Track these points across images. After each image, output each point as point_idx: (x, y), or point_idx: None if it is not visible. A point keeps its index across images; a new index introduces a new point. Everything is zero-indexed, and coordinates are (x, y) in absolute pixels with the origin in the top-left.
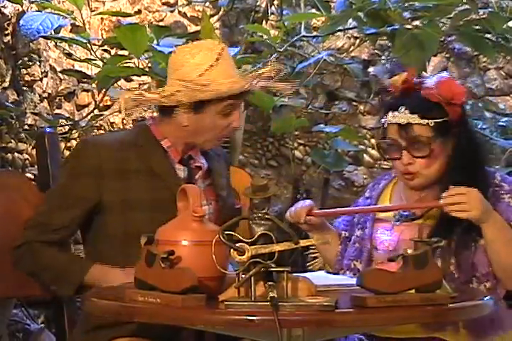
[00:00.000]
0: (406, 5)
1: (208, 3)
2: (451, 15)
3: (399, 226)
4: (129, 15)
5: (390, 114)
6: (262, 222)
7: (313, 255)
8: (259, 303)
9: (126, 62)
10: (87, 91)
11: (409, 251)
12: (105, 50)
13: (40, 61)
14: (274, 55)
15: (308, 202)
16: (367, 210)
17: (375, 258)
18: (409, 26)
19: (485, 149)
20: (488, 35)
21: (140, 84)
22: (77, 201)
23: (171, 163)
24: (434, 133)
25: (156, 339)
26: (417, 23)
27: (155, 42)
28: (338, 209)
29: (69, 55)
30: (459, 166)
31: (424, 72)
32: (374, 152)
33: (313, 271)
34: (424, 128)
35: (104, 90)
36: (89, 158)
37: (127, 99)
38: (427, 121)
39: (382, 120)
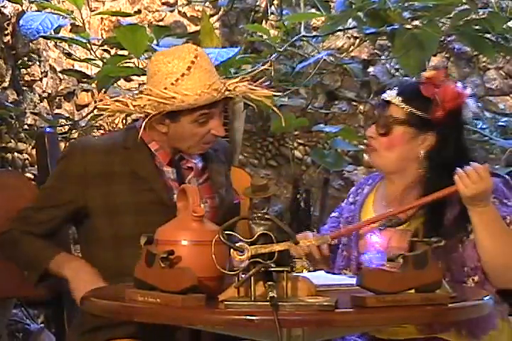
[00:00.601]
0: (406, 5)
1: (207, 3)
2: (451, 15)
3: (385, 231)
4: (129, 15)
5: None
6: (262, 221)
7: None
8: (259, 303)
9: (126, 62)
10: (87, 91)
11: (401, 260)
12: (105, 50)
13: (39, 61)
14: (273, 55)
15: (311, 235)
16: (374, 220)
17: (363, 263)
18: (408, 26)
19: (469, 155)
20: (488, 35)
21: (140, 84)
22: (60, 204)
23: (157, 166)
24: (407, 121)
25: (154, 339)
26: (416, 22)
27: (155, 42)
28: (348, 227)
29: (69, 55)
30: (437, 167)
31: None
32: None
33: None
34: (398, 111)
35: (104, 90)
36: (75, 164)
37: (107, 104)
38: (404, 105)
39: None
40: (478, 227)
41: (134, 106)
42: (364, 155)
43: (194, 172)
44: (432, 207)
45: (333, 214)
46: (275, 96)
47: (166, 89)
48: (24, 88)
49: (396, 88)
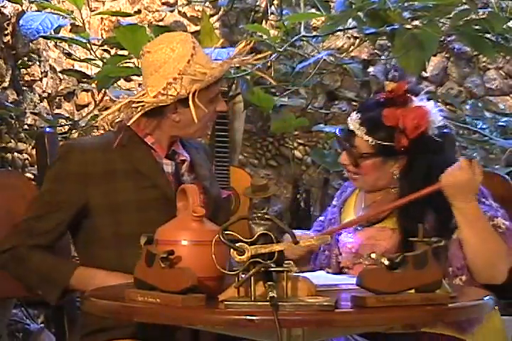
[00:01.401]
0: (406, 5)
1: (207, 3)
2: (451, 15)
3: (361, 230)
4: (129, 15)
5: (353, 114)
6: (262, 221)
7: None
8: (259, 303)
9: (126, 62)
10: (87, 91)
11: (373, 255)
12: (105, 50)
13: (39, 61)
14: (273, 55)
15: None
16: (357, 220)
17: (342, 262)
18: (408, 26)
19: (446, 166)
20: (488, 35)
21: (140, 84)
22: (62, 206)
23: (156, 160)
24: (374, 152)
25: (154, 340)
26: (416, 22)
27: None
28: (332, 228)
29: (69, 55)
30: (409, 187)
31: (424, 72)
32: None
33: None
34: (363, 143)
35: (103, 90)
36: (74, 163)
37: (125, 106)
38: (368, 138)
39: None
40: (463, 225)
41: (169, 95)
42: None
43: (186, 166)
44: (405, 209)
45: (319, 218)
46: (275, 96)
47: (180, 72)
48: (24, 88)
49: (359, 115)
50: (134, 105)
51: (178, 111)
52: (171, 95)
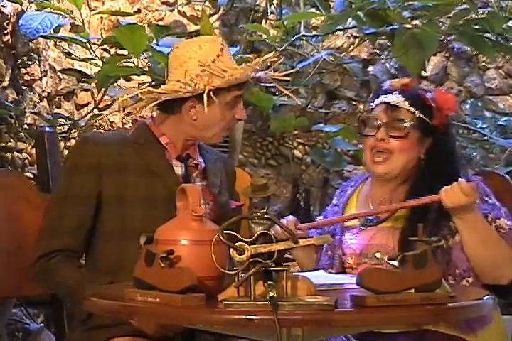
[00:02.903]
0: (405, 4)
1: (207, 3)
2: (451, 15)
3: (365, 230)
4: (129, 14)
5: (383, 96)
6: (262, 221)
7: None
8: (259, 303)
9: (126, 62)
10: (87, 90)
11: (378, 255)
12: (105, 50)
13: (39, 60)
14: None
15: (291, 217)
16: (349, 217)
17: (345, 263)
18: (408, 26)
19: (459, 160)
20: (488, 35)
21: (139, 84)
22: (81, 199)
23: (168, 161)
24: (416, 125)
25: (154, 338)
26: (416, 22)
27: (154, 41)
28: (320, 220)
29: (68, 55)
30: (427, 171)
31: (424, 71)
32: None
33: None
34: (409, 115)
35: (103, 89)
36: (88, 155)
37: (143, 93)
38: (414, 110)
39: (372, 103)
40: (463, 232)
41: (188, 88)
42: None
43: (198, 171)
44: (414, 208)
45: (319, 217)
46: (274, 95)
47: (204, 68)
48: (24, 87)
49: (396, 92)
50: (151, 95)
51: (196, 109)
52: (189, 87)
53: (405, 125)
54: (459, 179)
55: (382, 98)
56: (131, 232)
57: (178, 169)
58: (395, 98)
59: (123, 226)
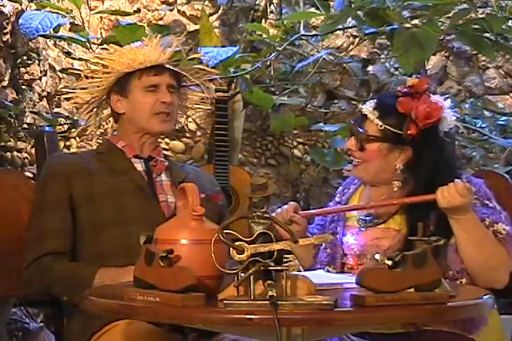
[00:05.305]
0: (405, 4)
1: (207, 2)
2: (451, 15)
3: (364, 231)
4: (128, 14)
5: (369, 101)
6: (261, 220)
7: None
8: (259, 302)
9: None
10: None
11: (377, 257)
12: (104, 49)
13: (39, 60)
14: (273, 54)
15: (291, 202)
16: (348, 208)
17: (346, 263)
18: (408, 25)
19: (451, 169)
20: (487, 34)
21: None
22: (58, 203)
23: (128, 160)
24: (381, 136)
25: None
26: (416, 22)
27: None
28: (320, 209)
29: (68, 54)
30: (416, 180)
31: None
32: None
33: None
34: (373, 127)
35: None
36: (58, 166)
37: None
38: (378, 121)
39: None
40: (458, 233)
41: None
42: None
43: (159, 167)
44: (412, 207)
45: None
46: (274, 95)
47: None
48: (23, 87)
49: (375, 101)
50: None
51: (121, 103)
52: (96, 80)
53: (370, 136)
54: (456, 180)
55: (364, 105)
56: (103, 223)
57: (139, 166)
58: (366, 107)
59: (95, 220)
